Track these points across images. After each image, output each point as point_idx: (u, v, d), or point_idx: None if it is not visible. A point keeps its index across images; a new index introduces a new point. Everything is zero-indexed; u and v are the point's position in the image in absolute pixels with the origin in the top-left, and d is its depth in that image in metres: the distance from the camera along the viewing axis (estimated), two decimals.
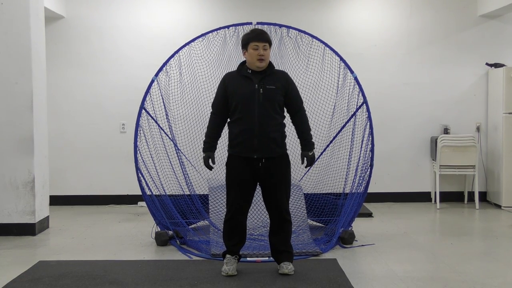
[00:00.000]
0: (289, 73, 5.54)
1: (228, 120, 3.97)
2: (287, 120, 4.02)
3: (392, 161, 6.97)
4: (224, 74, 4.07)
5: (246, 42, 3.86)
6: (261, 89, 3.79)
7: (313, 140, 4.01)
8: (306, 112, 4.08)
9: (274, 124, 3.84)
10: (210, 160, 3.98)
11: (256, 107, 3.78)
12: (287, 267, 3.88)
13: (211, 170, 4.04)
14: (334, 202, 5.29)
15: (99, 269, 4.04)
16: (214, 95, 5.78)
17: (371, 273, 3.99)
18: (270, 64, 3.92)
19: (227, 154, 4.00)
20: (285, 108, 3.98)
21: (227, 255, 3.96)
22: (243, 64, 3.95)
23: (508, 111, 6.54)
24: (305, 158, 3.99)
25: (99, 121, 6.89)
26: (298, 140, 4.08)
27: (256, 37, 3.83)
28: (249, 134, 3.80)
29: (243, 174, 3.86)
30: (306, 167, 4.07)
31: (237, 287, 3.66)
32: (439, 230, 5.79)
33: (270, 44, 3.89)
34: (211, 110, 4.04)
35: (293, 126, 4.02)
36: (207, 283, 3.72)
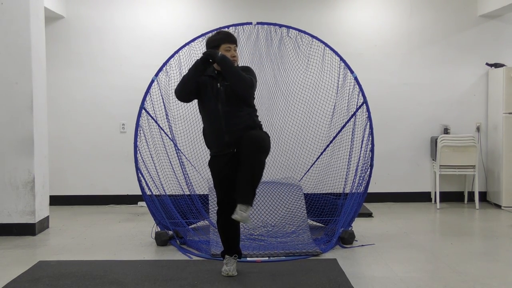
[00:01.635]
0: (289, 73, 5.60)
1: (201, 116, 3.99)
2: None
3: (392, 161, 6.97)
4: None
5: (217, 43, 3.84)
6: (221, 87, 3.81)
7: (228, 64, 3.72)
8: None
9: (241, 116, 3.81)
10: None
11: (219, 105, 3.80)
12: (240, 212, 3.63)
13: (215, 54, 3.75)
14: (334, 202, 5.29)
15: (99, 269, 4.04)
16: None
17: (371, 273, 3.99)
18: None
19: None
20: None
21: (226, 256, 3.97)
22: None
23: (508, 111, 6.54)
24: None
25: (99, 121, 6.89)
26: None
27: (227, 39, 3.85)
28: (218, 132, 3.83)
29: (224, 169, 3.87)
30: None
31: (237, 287, 3.66)
32: (439, 230, 5.79)
33: (237, 46, 3.94)
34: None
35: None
36: (207, 283, 3.72)
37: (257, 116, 3.96)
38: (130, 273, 3.94)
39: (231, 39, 3.87)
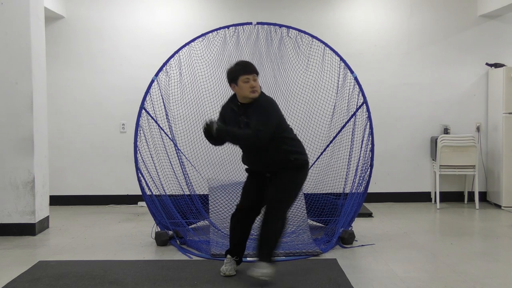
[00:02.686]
0: (289, 73, 5.60)
1: None
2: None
3: (392, 161, 6.97)
4: (221, 106, 4.04)
5: (234, 76, 3.77)
6: (242, 123, 3.80)
7: (226, 133, 3.72)
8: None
9: (268, 150, 3.78)
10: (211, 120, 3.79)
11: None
12: (257, 270, 3.67)
13: (211, 129, 3.72)
14: (334, 202, 5.29)
15: (99, 269, 4.04)
16: (214, 95, 5.80)
17: (371, 273, 3.99)
18: (261, 95, 3.84)
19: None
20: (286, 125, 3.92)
21: (228, 256, 3.97)
22: (234, 96, 3.90)
23: (508, 111, 6.54)
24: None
25: (99, 121, 6.89)
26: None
27: (244, 70, 3.75)
28: (252, 160, 3.92)
29: (256, 182, 3.96)
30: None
31: (237, 287, 3.66)
32: (439, 230, 5.79)
33: (258, 74, 3.82)
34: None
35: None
36: (207, 283, 3.72)
37: (290, 140, 3.86)
38: (130, 273, 3.94)
39: (247, 70, 3.76)
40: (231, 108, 3.87)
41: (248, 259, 4.25)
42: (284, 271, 3.97)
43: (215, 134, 3.70)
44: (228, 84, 3.89)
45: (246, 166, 4.06)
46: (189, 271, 3.98)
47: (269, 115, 3.76)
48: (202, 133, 3.81)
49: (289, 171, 3.82)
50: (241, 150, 4.01)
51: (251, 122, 3.72)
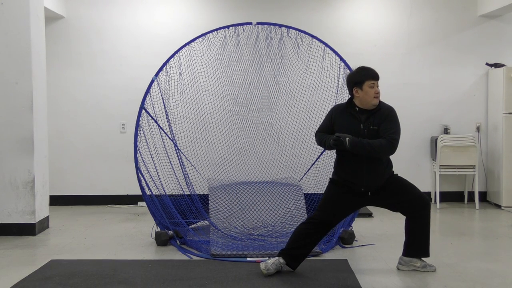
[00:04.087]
0: (289, 73, 5.60)
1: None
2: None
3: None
4: (333, 106, 4.04)
5: (360, 80, 3.79)
6: (365, 130, 3.76)
7: (360, 145, 3.70)
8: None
9: (382, 163, 3.83)
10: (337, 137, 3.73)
11: None
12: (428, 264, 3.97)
13: (340, 143, 3.71)
14: None
15: (109, 269, 4.05)
16: (214, 95, 5.80)
17: (371, 273, 3.98)
18: (380, 103, 3.87)
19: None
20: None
21: (281, 256, 3.90)
22: (351, 100, 3.89)
23: (508, 111, 6.54)
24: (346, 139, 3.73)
25: (99, 121, 6.89)
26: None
27: (371, 76, 3.80)
28: (358, 172, 3.79)
29: (345, 198, 3.87)
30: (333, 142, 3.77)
31: (246, 287, 3.65)
32: (439, 230, 5.78)
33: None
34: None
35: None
36: (216, 283, 3.71)
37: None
38: (139, 273, 3.95)
39: (375, 76, 3.81)
40: (350, 114, 3.82)
41: (248, 259, 4.25)
42: (294, 271, 3.96)
43: (349, 147, 3.65)
44: (346, 90, 3.93)
45: (336, 178, 3.90)
46: (198, 271, 3.98)
47: (398, 123, 3.86)
48: (329, 145, 3.77)
49: (394, 179, 3.93)
50: (342, 159, 3.85)
51: (381, 131, 3.73)
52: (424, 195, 4.00)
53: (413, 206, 3.92)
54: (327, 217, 3.86)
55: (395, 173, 4.01)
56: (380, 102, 3.87)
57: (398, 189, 3.92)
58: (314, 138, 5.63)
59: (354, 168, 3.80)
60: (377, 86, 3.82)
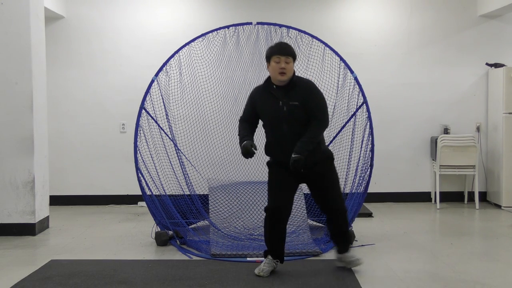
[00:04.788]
0: None
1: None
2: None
3: (392, 161, 6.97)
4: (252, 89, 4.03)
5: (269, 54, 3.79)
6: (284, 107, 3.74)
7: (307, 148, 3.72)
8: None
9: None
10: (251, 146, 3.77)
11: (284, 125, 3.75)
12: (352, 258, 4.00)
13: (252, 156, 3.81)
14: None
15: (109, 269, 4.05)
16: (214, 95, 5.79)
17: (371, 273, 3.98)
18: (294, 77, 3.83)
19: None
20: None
21: (269, 256, 3.92)
22: (269, 79, 3.88)
23: (508, 111, 6.54)
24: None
25: (99, 121, 6.89)
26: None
27: (278, 51, 3.76)
28: (283, 152, 3.77)
29: (284, 175, 3.84)
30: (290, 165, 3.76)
31: (246, 286, 3.64)
32: (439, 230, 5.79)
33: (294, 58, 3.81)
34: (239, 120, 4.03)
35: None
36: (217, 283, 3.70)
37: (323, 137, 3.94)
38: (140, 273, 3.95)
39: (281, 51, 3.75)
40: (269, 93, 3.81)
41: (248, 259, 4.25)
42: (294, 271, 3.97)
43: (303, 157, 3.67)
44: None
45: (270, 160, 3.92)
46: (198, 271, 3.97)
47: (321, 95, 3.89)
48: (242, 152, 3.81)
49: (326, 165, 3.89)
50: (269, 139, 3.87)
51: (309, 110, 3.74)
52: (340, 202, 3.97)
53: (326, 207, 3.94)
54: (276, 203, 3.83)
55: (334, 161, 3.99)
56: (296, 77, 3.84)
57: (322, 181, 3.89)
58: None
59: (280, 147, 3.80)
60: (287, 63, 3.74)
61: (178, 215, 4.99)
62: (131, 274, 3.91)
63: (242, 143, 3.83)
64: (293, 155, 3.68)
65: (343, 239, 4.05)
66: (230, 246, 4.58)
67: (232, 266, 4.07)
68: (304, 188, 5.52)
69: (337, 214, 3.96)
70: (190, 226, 5.11)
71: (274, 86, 3.82)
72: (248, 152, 3.77)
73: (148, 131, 5.13)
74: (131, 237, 5.15)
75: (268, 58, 3.80)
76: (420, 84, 6.98)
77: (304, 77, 4.00)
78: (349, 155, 5.18)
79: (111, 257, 4.47)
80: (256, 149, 3.82)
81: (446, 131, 6.87)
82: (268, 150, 3.92)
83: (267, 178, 3.95)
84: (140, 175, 4.87)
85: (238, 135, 3.96)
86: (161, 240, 4.78)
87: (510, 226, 5.68)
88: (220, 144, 5.75)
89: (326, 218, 4.08)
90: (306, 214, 5.21)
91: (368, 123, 4.93)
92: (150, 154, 5.13)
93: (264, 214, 3.89)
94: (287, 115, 3.74)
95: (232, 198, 5.29)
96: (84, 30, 6.85)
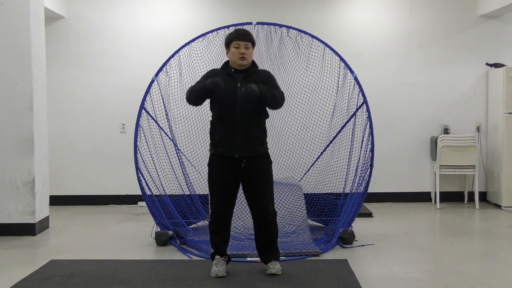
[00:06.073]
0: (289, 73, 5.59)
1: (210, 119, 3.95)
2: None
3: (392, 161, 6.97)
4: (208, 70, 4.07)
5: (228, 41, 3.87)
6: (243, 88, 3.78)
7: (269, 93, 3.76)
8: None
9: (256, 122, 3.84)
10: (210, 80, 3.77)
11: (237, 106, 3.76)
12: (274, 266, 3.88)
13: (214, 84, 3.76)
14: (334, 202, 5.29)
15: (109, 269, 4.05)
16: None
17: (371, 273, 3.99)
18: (254, 64, 3.93)
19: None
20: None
21: (216, 256, 3.94)
22: (227, 63, 3.95)
23: (508, 111, 6.54)
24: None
25: (99, 121, 6.89)
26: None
27: (238, 37, 3.84)
28: (231, 133, 3.78)
29: (225, 174, 3.84)
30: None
31: (246, 287, 3.65)
32: (439, 230, 5.79)
33: (253, 44, 3.90)
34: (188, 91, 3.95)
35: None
36: (216, 283, 3.71)
37: (264, 122, 3.94)
38: (139, 273, 3.95)
39: (241, 37, 3.82)
40: (227, 74, 3.85)
41: (248, 259, 4.25)
42: (294, 271, 3.97)
43: (262, 93, 3.69)
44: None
45: (212, 156, 3.91)
46: (198, 271, 3.97)
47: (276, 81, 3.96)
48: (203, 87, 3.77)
49: (264, 160, 3.86)
50: (215, 126, 3.86)
51: (269, 88, 3.78)
52: (272, 204, 3.90)
53: (257, 207, 3.88)
54: (220, 208, 3.84)
55: (272, 162, 3.97)
56: (255, 65, 3.92)
57: (260, 180, 3.85)
58: (314, 138, 5.68)
59: (228, 128, 3.79)
60: (245, 48, 3.81)
61: (178, 215, 4.99)
62: (131, 274, 3.91)
63: (202, 83, 3.82)
64: (253, 84, 3.74)
65: (273, 246, 3.95)
66: (230, 246, 4.57)
67: (232, 266, 4.07)
68: (304, 188, 5.54)
69: (266, 214, 3.84)
70: (190, 226, 5.11)
71: (233, 70, 3.88)
72: (217, 81, 3.76)
73: (148, 131, 5.14)
74: (131, 237, 5.15)
75: (228, 45, 3.87)
76: (420, 84, 6.98)
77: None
78: (349, 155, 5.18)
79: (111, 257, 4.48)
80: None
81: (446, 131, 6.87)
82: (213, 133, 3.89)
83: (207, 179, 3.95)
84: (140, 175, 4.87)
85: (190, 93, 3.88)
86: (161, 240, 4.78)
87: (510, 226, 5.68)
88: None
89: (255, 225, 3.94)
90: (306, 214, 5.21)
91: (368, 123, 4.93)
92: (150, 154, 5.13)
93: None
94: (243, 97, 3.75)
95: None
96: (84, 30, 6.85)
